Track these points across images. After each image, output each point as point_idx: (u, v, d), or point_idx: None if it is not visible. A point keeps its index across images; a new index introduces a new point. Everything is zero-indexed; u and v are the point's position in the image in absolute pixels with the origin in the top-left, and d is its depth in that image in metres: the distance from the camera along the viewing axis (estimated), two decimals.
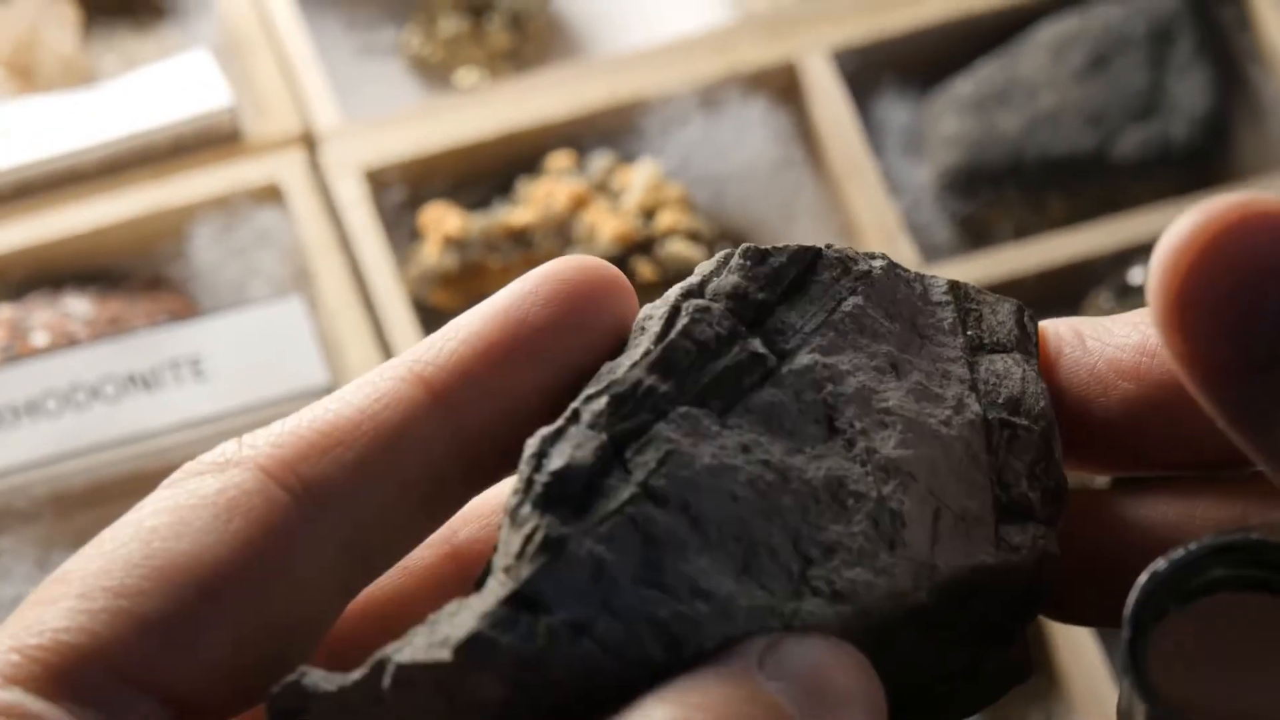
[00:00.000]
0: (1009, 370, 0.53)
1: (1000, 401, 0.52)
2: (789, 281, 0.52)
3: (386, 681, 0.46)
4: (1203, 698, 0.47)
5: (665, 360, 0.50)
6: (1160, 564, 0.47)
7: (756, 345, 0.51)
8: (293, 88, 1.23)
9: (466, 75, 1.30)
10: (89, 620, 0.48)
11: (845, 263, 0.53)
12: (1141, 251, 1.18)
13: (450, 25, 1.29)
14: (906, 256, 1.17)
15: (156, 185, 1.18)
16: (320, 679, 0.47)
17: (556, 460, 0.47)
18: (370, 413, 0.51)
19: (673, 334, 0.50)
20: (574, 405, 0.48)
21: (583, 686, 0.46)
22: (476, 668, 0.46)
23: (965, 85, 1.25)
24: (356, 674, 0.47)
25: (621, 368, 0.49)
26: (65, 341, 1.12)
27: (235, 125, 1.20)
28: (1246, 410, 0.45)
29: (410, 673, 0.46)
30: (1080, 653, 1.09)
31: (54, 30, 1.23)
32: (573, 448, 0.48)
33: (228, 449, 0.51)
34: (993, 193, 1.23)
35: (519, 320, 0.51)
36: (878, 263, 0.53)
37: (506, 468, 0.52)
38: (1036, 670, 0.56)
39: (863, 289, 0.53)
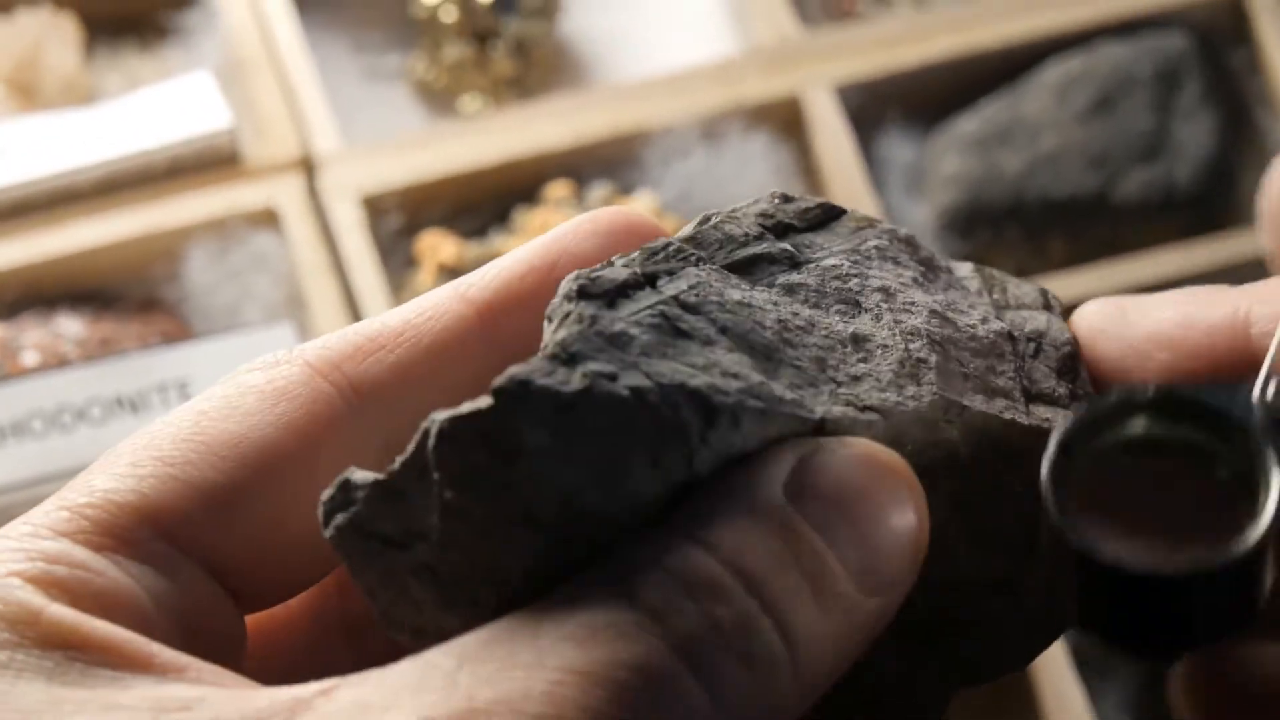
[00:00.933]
0: (1034, 316, 0.54)
1: (1026, 331, 0.54)
2: (816, 220, 0.54)
3: (430, 441, 0.47)
4: (1116, 540, 0.47)
5: (695, 239, 0.51)
6: (1079, 410, 0.49)
7: (785, 245, 0.52)
8: (293, 111, 1.22)
9: (470, 101, 1.30)
10: (137, 483, 0.49)
11: (871, 220, 0.54)
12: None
13: (455, 51, 1.29)
14: None
15: (153, 206, 1.17)
16: (367, 473, 0.48)
17: (591, 273, 0.49)
18: (415, 323, 0.53)
19: (705, 227, 0.52)
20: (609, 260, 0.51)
21: (620, 444, 0.46)
22: (514, 409, 0.46)
23: (968, 124, 1.24)
24: (401, 456, 0.48)
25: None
26: (56, 362, 1.12)
27: (234, 147, 1.20)
28: None
29: (454, 425, 0.46)
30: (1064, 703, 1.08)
31: (56, 48, 1.23)
32: (606, 270, 0.49)
33: (279, 352, 0.52)
34: (993, 233, 1.22)
35: (561, 249, 0.53)
36: (902, 230, 0.55)
37: None
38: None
39: (888, 237, 0.54)
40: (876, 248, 0.53)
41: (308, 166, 1.20)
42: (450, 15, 1.29)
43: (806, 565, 0.46)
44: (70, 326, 1.14)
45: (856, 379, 0.50)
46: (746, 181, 1.22)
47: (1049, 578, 0.50)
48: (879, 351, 0.51)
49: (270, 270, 1.17)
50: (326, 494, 0.49)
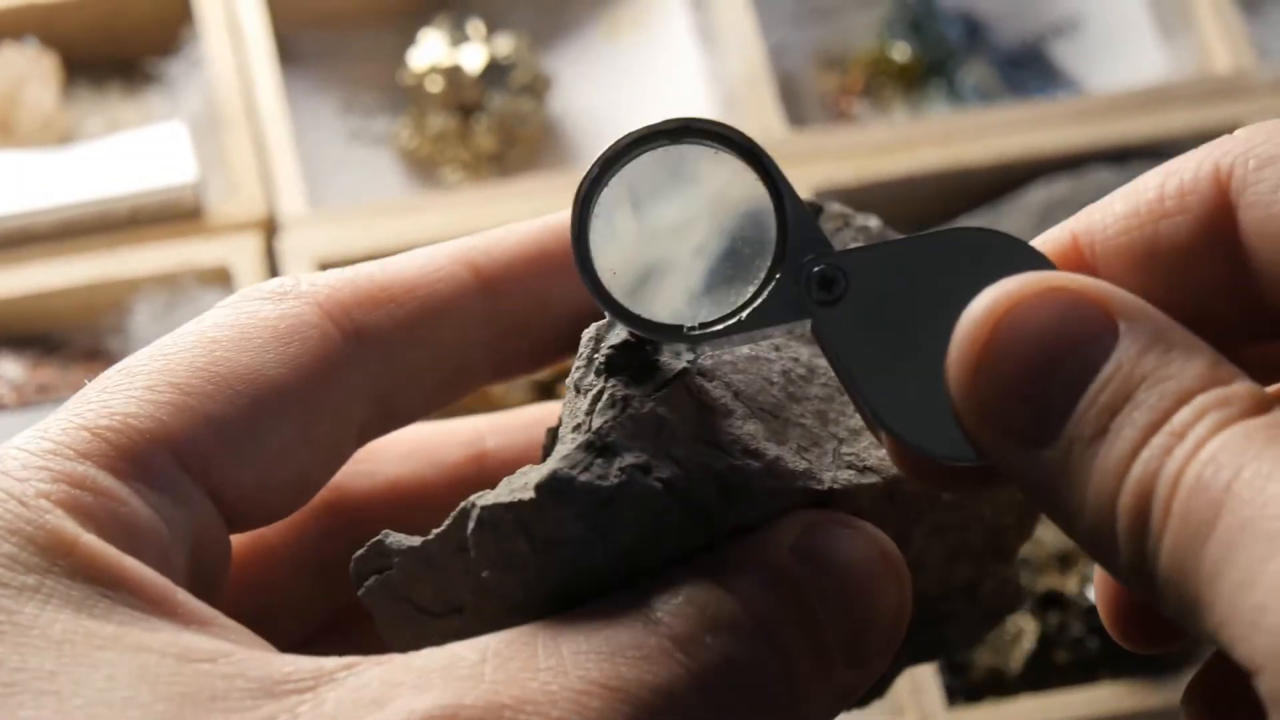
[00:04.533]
0: None
1: None
2: None
3: (470, 525, 0.49)
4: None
5: None
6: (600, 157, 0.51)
7: None
8: (264, 170, 1.21)
9: (452, 173, 1.28)
10: (156, 410, 0.50)
11: (846, 217, 0.57)
12: None
13: (439, 122, 1.28)
14: None
15: (107, 255, 1.17)
16: (402, 537, 0.51)
17: (613, 339, 0.52)
18: (424, 280, 0.54)
19: None
20: None
21: (650, 529, 0.49)
22: (556, 505, 0.48)
23: None
24: (439, 528, 0.50)
25: None
26: None
27: (197, 202, 1.19)
28: (1035, 478, 0.46)
29: (495, 513, 0.49)
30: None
31: (35, 87, 1.23)
32: (626, 332, 0.52)
33: (287, 282, 0.54)
34: None
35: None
36: (873, 221, 0.58)
37: (528, 366, 0.57)
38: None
39: (863, 238, 0.57)
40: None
41: (270, 227, 1.19)
42: (436, 85, 1.28)
43: (807, 627, 0.48)
44: (9, 369, 1.14)
45: (855, 433, 0.53)
46: None
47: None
48: None
49: None
50: (359, 553, 0.51)
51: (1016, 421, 0.46)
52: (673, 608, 0.48)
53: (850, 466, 0.53)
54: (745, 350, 0.53)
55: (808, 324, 0.50)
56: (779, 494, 0.51)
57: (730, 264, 0.52)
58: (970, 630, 0.60)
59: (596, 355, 0.51)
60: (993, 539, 0.58)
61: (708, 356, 0.52)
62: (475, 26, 1.29)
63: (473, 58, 1.28)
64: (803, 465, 0.52)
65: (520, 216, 1.18)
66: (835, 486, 0.52)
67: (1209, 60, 1.28)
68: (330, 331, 0.53)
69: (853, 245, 0.55)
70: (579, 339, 0.53)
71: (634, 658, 0.46)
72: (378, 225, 1.20)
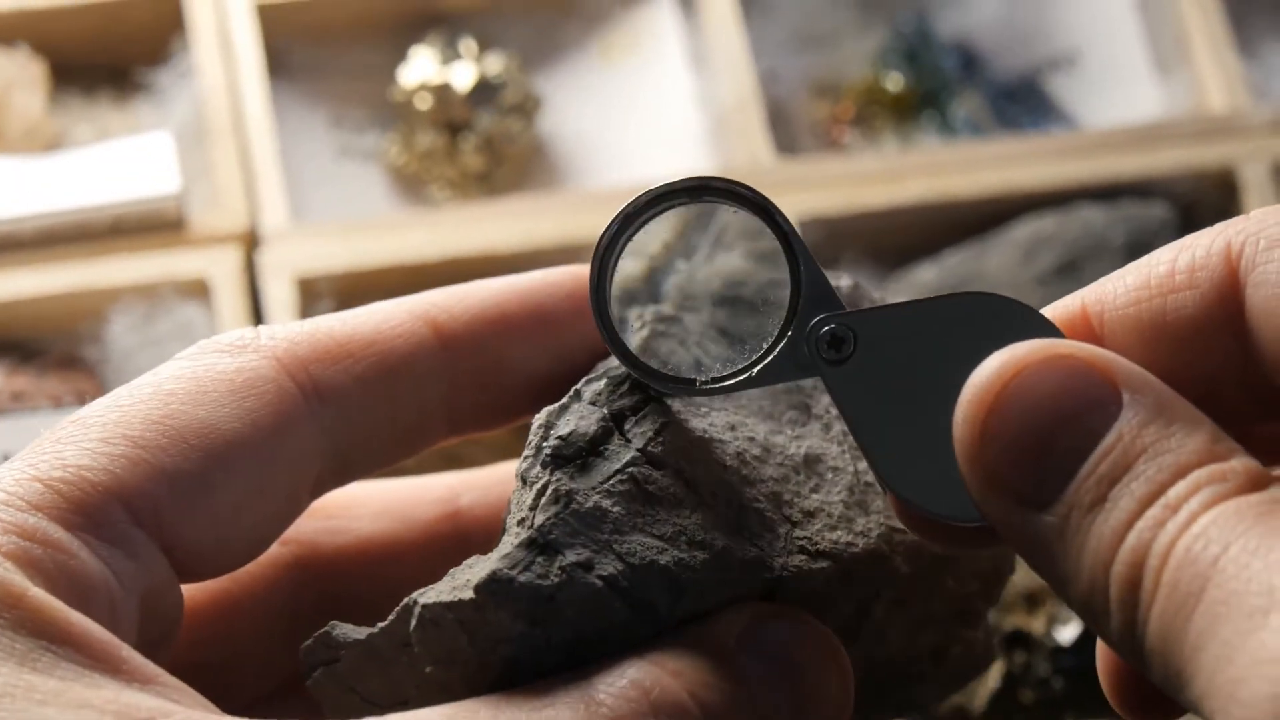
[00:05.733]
0: None
1: None
2: None
3: (413, 623, 0.50)
4: None
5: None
6: (621, 212, 0.52)
7: None
8: (249, 184, 1.21)
9: (438, 191, 1.28)
10: (110, 462, 0.50)
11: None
12: None
13: (427, 139, 1.28)
14: None
15: (87, 264, 1.16)
16: (349, 630, 0.52)
17: (562, 428, 0.52)
18: (383, 336, 0.55)
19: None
20: (575, 387, 0.53)
21: (593, 626, 0.50)
22: (496, 605, 0.49)
23: (928, 272, 1.21)
24: (383, 622, 0.51)
25: (615, 362, 0.54)
26: None
27: (179, 213, 1.19)
28: (1034, 541, 0.46)
29: (435, 612, 0.50)
30: None
31: (22, 93, 1.23)
32: (576, 419, 0.52)
33: (246, 334, 0.54)
34: None
35: (538, 304, 0.56)
36: (844, 281, 0.59)
37: (485, 424, 0.57)
38: None
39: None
40: None
41: (251, 240, 1.19)
42: (425, 102, 1.27)
43: (751, 717, 0.49)
44: None
45: (810, 515, 0.54)
46: None
47: None
48: (830, 475, 0.55)
49: (192, 341, 1.15)
50: (306, 644, 0.52)
51: (1018, 485, 0.46)
52: (616, 690, 0.48)
53: (803, 551, 0.53)
54: (699, 427, 0.53)
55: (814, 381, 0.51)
56: (726, 585, 0.51)
57: (743, 318, 0.52)
58: (940, 690, 0.61)
59: (544, 445, 0.52)
60: (958, 605, 0.58)
61: (657, 442, 0.52)
62: (467, 45, 1.29)
63: (462, 76, 1.27)
64: (753, 553, 0.52)
65: (504, 236, 1.19)
66: (785, 574, 0.52)
67: (1204, 98, 1.27)
68: (287, 386, 0.53)
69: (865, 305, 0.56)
70: (538, 400, 0.54)
71: None
72: (359, 241, 1.20)
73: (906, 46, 1.34)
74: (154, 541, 0.50)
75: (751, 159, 1.24)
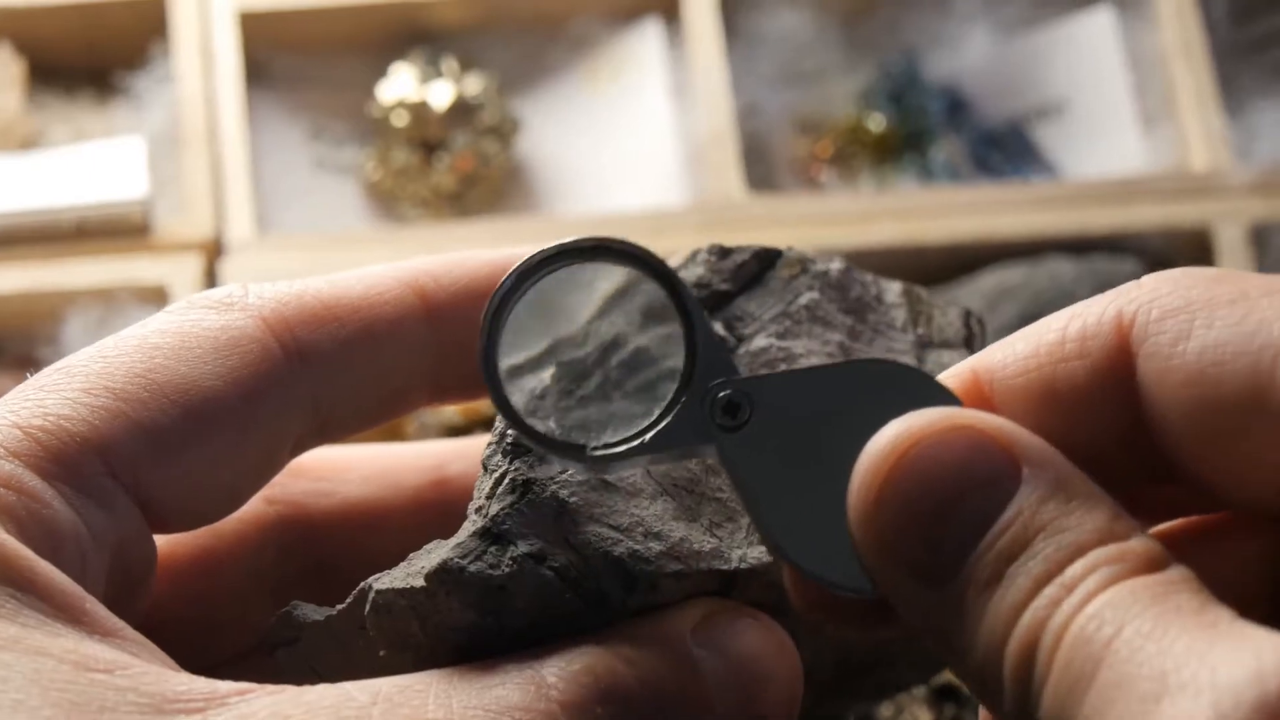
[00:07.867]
0: (954, 362, 0.56)
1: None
2: (750, 276, 0.57)
3: (367, 607, 0.50)
4: None
5: None
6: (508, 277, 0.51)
7: (720, 330, 0.56)
8: (217, 193, 1.21)
9: (411, 208, 1.28)
10: (90, 414, 0.50)
11: (804, 263, 0.57)
12: None
13: (401, 157, 1.27)
14: None
15: (48, 265, 1.17)
16: (310, 610, 0.52)
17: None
18: (369, 301, 0.55)
19: None
20: None
21: (546, 616, 0.50)
22: (447, 593, 0.49)
23: None
24: (342, 605, 0.51)
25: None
26: None
27: (145, 219, 1.19)
28: (929, 616, 0.46)
29: (388, 598, 0.50)
30: None
31: None
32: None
33: (234, 292, 0.54)
34: None
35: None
36: (835, 265, 0.58)
37: (468, 393, 0.57)
38: None
39: (819, 286, 0.57)
40: (807, 307, 0.57)
41: (215, 250, 1.19)
42: (401, 120, 1.27)
43: (700, 710, 0.49)
44: None
45: None
46: None
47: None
48: None
49: None
50: (270, 622, 0.53)
51: (914, 558, 0.46)
52: (567, 674, 0.48)
53: (761, 544, 0.52)
54: None
55: (712, 448, 0.50)
56: (682, 576, 0.51)
57: (638, 383, 0.52)
58: (918, 673, 0.61)
59: (507, 434, 0.52)
60: None
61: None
62: (449, 64, 1.29)
63: (440, 95, 1.27)
64: (710, 544, 0.52)
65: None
66: (742, 567, 0.52)
67: (1187, 155, 1.26)
68: (271, 346, 0.53)
69: (812, 293, 0.56)
70: None
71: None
72: (323, 255, 1.19)
73: (893, 86, 1.33)
74: (129, 495, 0.51)
75: (723, 193, 1.24)
